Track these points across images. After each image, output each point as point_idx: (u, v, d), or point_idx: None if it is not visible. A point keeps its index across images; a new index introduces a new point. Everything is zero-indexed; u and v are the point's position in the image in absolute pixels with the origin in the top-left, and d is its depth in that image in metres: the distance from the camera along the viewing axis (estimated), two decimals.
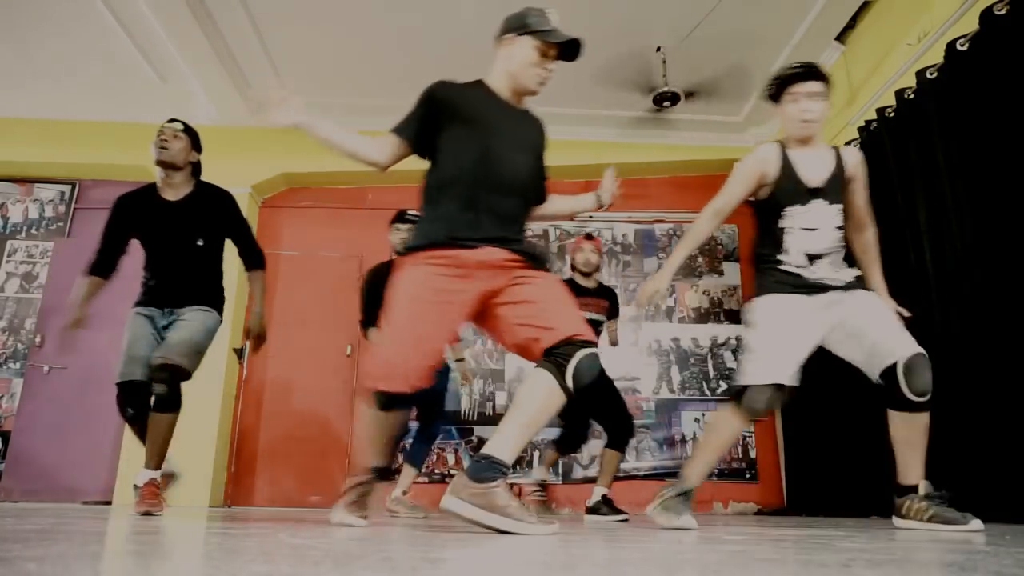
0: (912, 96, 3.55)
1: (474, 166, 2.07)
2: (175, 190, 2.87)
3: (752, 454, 5.07)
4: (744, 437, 5.11)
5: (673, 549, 1.37)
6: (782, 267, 2.27)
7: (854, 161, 2.34)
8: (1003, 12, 2.91)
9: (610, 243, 5.62)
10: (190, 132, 2.89)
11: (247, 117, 5.35)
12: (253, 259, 3.03)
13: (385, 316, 2.02)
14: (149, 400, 2.68)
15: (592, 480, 4.29)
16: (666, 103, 4.91)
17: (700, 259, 5.57)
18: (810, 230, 2.25)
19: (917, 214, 3.40)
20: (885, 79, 3.92)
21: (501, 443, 1.76)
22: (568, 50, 2.27)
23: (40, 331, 4.98)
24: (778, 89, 2.33)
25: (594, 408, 3.61)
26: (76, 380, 4.93)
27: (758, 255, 2.38)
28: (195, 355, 2.76)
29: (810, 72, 2.27)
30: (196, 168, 2.93)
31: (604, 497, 3.57)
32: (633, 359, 5.24)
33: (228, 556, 1.11)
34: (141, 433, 2.78)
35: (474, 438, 5.06)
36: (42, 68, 4.91)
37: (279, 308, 5.33)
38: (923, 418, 2.12)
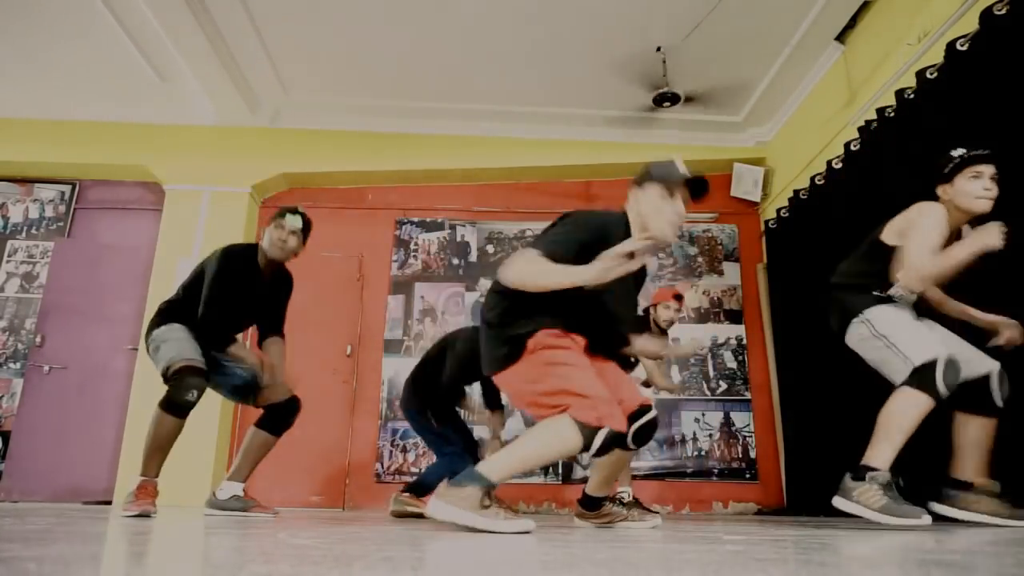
0: (912, 96, 3.54)
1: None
2: (271, 267, 3.05)
3: (752, 454, 5.07)
4: (744, 438, 5.11)
5: (673, 549, 1.37)
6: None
7: None
8: (1003, 12, 2.91)
9: None
10: (307, 225, 2.99)
11: (247, 117, 5.35)
12: (277, 328, 3.22)
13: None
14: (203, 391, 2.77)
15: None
16: (666, 103, 4.91)
17: (700, 259, 5.57)
18: None
19: None
20: (885, 79, 3.92)
21: (494, 462, 1.94)
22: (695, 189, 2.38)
23: (40, 331, 4.98)
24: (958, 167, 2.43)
25: None
26: (76, 380, 4.93)
27: None
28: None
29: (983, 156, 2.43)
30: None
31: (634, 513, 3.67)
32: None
33: (228, 556, 1.11)
34: (173, 434, 2.79)
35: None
36: (42, 68, 4.91)
37: None
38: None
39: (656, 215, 2.24)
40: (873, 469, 2.21)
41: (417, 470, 4.98)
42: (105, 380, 4.98)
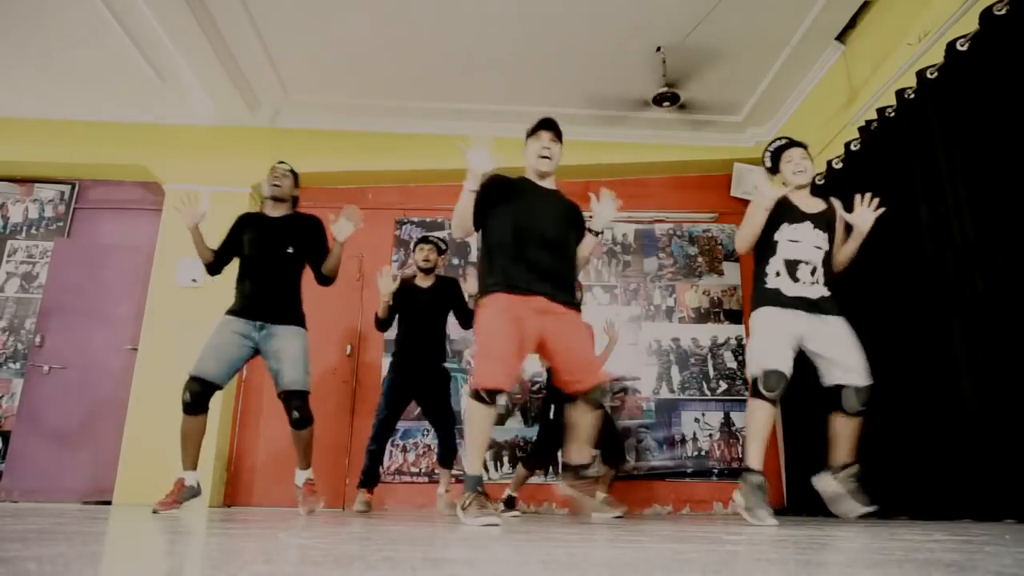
0: (912, 96, 3.54)
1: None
2: (278, 212, 3.51)
3: None
4: (744, 438, 5.10)
5: (673, 549, 1.37)
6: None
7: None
8: (1003, 12, 2.91)
9: (610, 243, 5.62)
10: (294, 173, 3.60)
11: (247, 117, 5.35)
12: (326, 279, 3.55)
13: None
14: (209, 399, 3.17)
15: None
16: (666, 103, 4.91)
17: (700, 259, 5.57)
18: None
19: (917, 214, 3.40)
20: (885, 79, 3.92)
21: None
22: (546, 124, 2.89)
23: (40, 331, 4.98)
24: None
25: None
26: (76, 380, 4.93)
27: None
28: (307, 374, 3.28)
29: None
30: (295, 201, 3.59)
31: (605, 498, 3.78)
32: (633, 359, 5.24)
33: (228, 556, 1.11)
34: (190, 432, 3.15)
35: None
36: (42, 68, 4.91)
37: None
38: (859, 420, 2.76)
39: (531, 158, 2.87)
40: (749, 470, 2.69)
41: (417, 470, 4.98)
42: (105, 380, 4.98)
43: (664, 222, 5.66)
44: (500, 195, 2.74)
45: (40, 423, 4.79)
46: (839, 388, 2.74)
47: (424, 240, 4.39)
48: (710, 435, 5.12)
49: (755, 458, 2.69)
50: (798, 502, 4.59)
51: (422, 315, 4.20)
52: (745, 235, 2.96)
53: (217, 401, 4.81)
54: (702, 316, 5.42)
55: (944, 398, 3.13)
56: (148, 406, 4.73)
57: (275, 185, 3.48)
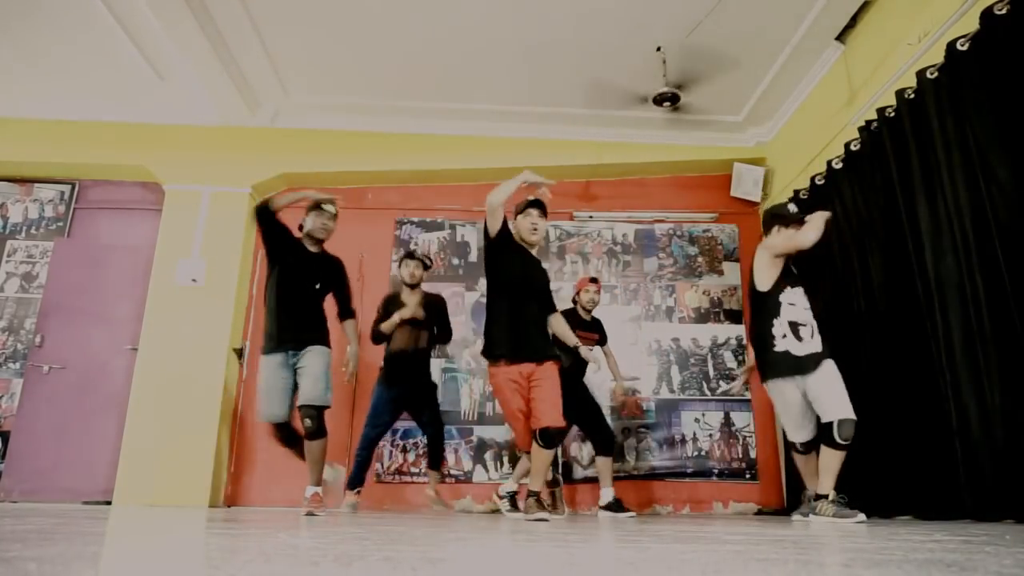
0: (912, 96, 3.54)
1: None
2: (314, 248, 3.76)
3: (752, 454, 5.07)
4: (744, 438, 5.11)
5: (673, 549, 1.37)
6: None
7: None
8: (1003, 12, 2.91)
9: (610, 243, 5.62)
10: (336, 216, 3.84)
11: (247, 117, 5.35)
12: (347, 312, 3.92)
13: None
14: (293, 430, 3.62)
15: (591, 480, 4.87)
16: (666, 103, 4.91)
17: (700, 259, 5.57)
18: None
19: (917, 214, 3.40)
20: (885, 79, 3.92)
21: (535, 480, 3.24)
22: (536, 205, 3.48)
23: (40, 331, 4.98)
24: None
25: (577, 418, 4.25)
26: (76, 380, 4.93)
27: None
28: (328, 390, 3.55)
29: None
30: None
31: (616, 498, 4.21)
32: (633, 359, 5.24)
33: (228, 556, 1.11)
34: (310, 452, 3.54)
35: (474, 438, 5.07)
36: (42, 68, 4.90)
37: None
38: (843, 454, 3.07)
39: (524, 231, 3.48)
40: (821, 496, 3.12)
41: (417, 470, 4.98)
42: (105, 380, 4.98)
43: (664, 222, 5.66)
44: (513, 246, 3.39)
45: (40, 423, 4.79)
46: (828, 424, 3.07)
47: (410, 256, 4.50)
48: (710, 435, 5.11)
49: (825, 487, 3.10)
50: (798, 502, 4.59)
51: (407, 331, 4.32)
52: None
53: (217, 401, 4.85)
54: (702, 316, 5.42)
55: (944, 398, 3.13)
56: (148, 406, 4.73)
57: (323, 227, 3.73)
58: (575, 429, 4.53)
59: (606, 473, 4.25)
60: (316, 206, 3.74)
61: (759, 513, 4.88)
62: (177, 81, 4.98)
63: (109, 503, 4.60)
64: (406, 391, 4.35)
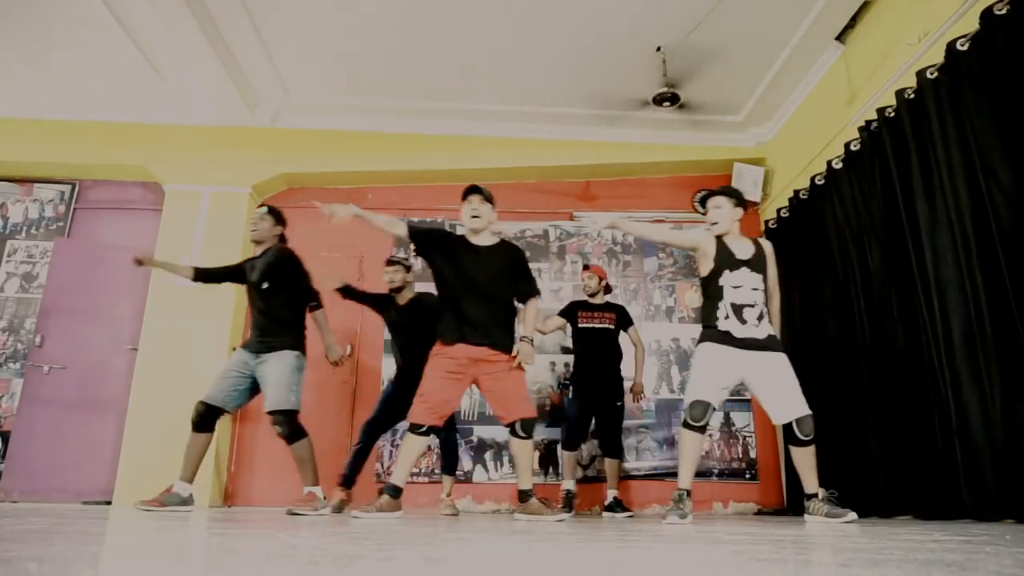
0: (912, 96, 3.54)
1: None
2: (258, 251, 3.75)
3: (752, 454, 5.07)
4: (744, 438, 5.11)
5: (673, 549, 1.37)
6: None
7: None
8: (1003, 12, 2.91)
9: (610, 243, 5.62)
10: (273, 213, 3.77)
11: (247, 117, 5.35)
12: (306, 302, 3.80)
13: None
14: (214, 421, 3.47)
15: (592, 480, 4.95)
16: (666, 103, 4.91)
17: None
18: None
19: (917, 214, 3.40)
20: (885, 79, 3.92)
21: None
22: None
23: (40, 331, 4.98)
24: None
25: (598, 418, 4.46)
26: (76, 380, 4.92)
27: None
28: (291, 392, 3.46)
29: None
30: (281, 237, 3.78)
31: (616, 498, 4.32)
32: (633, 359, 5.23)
33: (228, 556, 1.11)
34: (191, 447, 3.40)
35: (474, 438, 5.07)
36: (42, 68, 4.90)
37: None
38: (811, 449, 3.01)
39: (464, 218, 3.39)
40: (680, 490, 3.03)
41: (417, 470, 4.98)
42: (105, 380, 4.98)
43: (664, 222, 5.66)
44: (446, 243, 3.37)
45: (40, 423, 4.79)
46: (788, 425, 3.02)
47: (389, 262, 4.38)
48: (710, 435, 5.11)
49: (684, 479, 3.05)
50: (798, 502, 4.59)
51: (405, 332, 4.26)
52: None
53: None
54: None
55: (944, 398, 3.13)
56: (148, 406, 4.73)
57: (252, 230, 3.74)
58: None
59: (612, 475, 4.37)
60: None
61: (759, 513, 4.88)
62: (177, 81, 4.98)
63: (109, 503, 4.60)
64: (410, 393, 4.28)
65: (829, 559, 1.12)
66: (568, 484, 4.35)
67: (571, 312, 4.51)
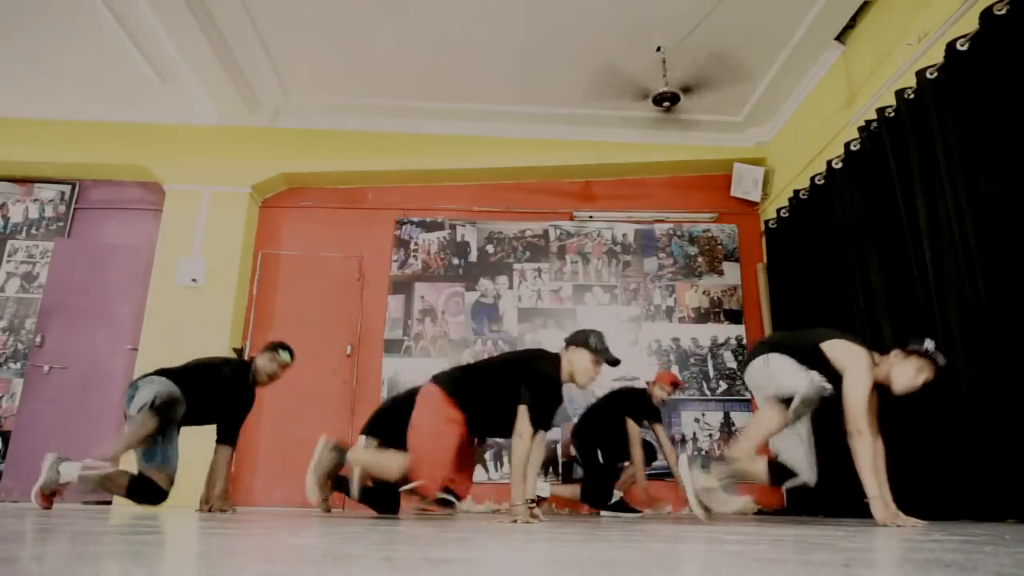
0: (912, 96, 3.54)
1: None
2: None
3: None
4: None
5: (673, 549, 1.37)
6: None
7: None
8: (1003, 12, 2.91)
9: (610, 243, 5.62)
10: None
11: (247, 117, 5.35)
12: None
13: None
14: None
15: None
16: (666, 103, 4.91)
17: (700, 259, 5.57)
18: None
19: (917, 214, 3.40)
20: (885, 79, 3.92)
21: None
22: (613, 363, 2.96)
23: (40, 331, 4.98)
24: None
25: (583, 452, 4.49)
26: (76, 380, 4.92)
27: None
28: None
29: None
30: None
31: (621, 499, 4.42)
32: (633, 359, 5.23)
33: (228, 556, 1.11)
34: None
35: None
36: (42, 68, 4.91)
37: (280, 308, 5.34)
38: None
39: (583, 374, 2.90)
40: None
41: None
42: (105, 380, 4.98)
43: (664, 222, 5.66)
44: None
45: (40, 423, 4.79)
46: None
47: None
48: (710, 435, 5.11)
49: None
50: (798, 502, 4.60)
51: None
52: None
53: None
54: (702, 316, 5.42)
55: (943, 398, 3.13)
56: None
57: (270, 375, 3.62)
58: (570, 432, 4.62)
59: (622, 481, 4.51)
60: (273, 347, 3.56)
61: (759, 513, 4.87)
62: (177, 81, 4.98)
63: (109, 503, 4.60)
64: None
65: (829, 559, 1.12)
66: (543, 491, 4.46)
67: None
